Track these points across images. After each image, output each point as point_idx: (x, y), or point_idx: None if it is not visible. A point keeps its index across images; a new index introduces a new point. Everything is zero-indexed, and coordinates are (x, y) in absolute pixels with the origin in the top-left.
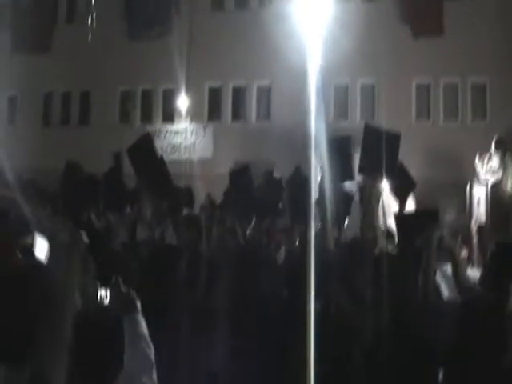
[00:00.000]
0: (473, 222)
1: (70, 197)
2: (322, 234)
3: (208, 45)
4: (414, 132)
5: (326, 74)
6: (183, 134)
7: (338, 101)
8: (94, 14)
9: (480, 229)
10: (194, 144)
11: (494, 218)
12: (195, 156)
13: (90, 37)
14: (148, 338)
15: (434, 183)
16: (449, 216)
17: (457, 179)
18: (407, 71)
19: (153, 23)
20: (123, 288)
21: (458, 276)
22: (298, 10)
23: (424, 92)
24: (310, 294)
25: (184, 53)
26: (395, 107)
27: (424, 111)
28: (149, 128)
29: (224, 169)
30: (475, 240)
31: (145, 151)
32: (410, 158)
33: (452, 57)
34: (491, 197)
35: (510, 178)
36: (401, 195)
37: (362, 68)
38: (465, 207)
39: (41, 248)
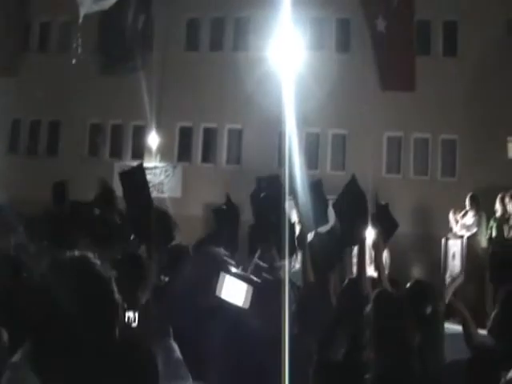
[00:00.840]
0: (447, 274)
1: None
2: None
3: (181, 84)
4: (384, 185)
5: (298, 122)
6: (152, 172)
7: (309, 149)
8: (78, 45)
9: (453, 281)
10: (163, 183)
11: (469, 271)
12: (163, 195)
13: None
14: (185, 366)
15: (405, 237)
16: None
17: (428, 233)
18: (379, 124)
19: (126, 58)
20: (154, 310)
21: (471, 335)
22: (273, 57)
23: (395, 146)
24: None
25: (156, 90)
26: (366, 159)
27: (395, 165)
28: (117, 163)
29: (192, 210)
30: (449, 292)
31: (136, 181)
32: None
33: (423, 113)
34: (467, 251)
35: (483, 234)
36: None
37: (334, 118)
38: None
39: None
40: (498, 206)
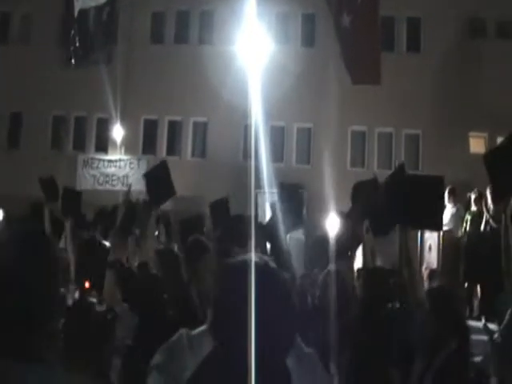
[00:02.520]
0: (423, 267)
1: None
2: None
3: (146, 77)
4: (348, 178)
5: (264, 115)
6: (117, 165)
7: (274, 143)
8: (75, 41)
9: (431, 273)
10: (127, 176)
11: (444, 264)
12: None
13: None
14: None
15: None
16: None
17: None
18: (343, 118)
19: (90, 50)
20: None
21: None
22: (238, 50)
23: (359, 140)
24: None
25: (121, 83)
26: (331, 153)
27: (359, 158)
28: (81, 156)
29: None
30: (426, 284)
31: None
32: (345, 204)
33: (387, 108)
34: (443, 244)
35: (460, 226)
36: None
37: (299, 112)
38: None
39: None
40: (473, 201)
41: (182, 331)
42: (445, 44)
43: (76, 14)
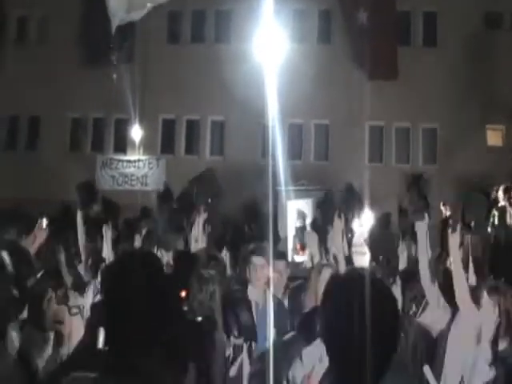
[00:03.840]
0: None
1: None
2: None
3: (163, 77)
4: (366, 173)
5: (281, 113)
6: (135, 165)
7: (292, 140)
8: (114, 57)
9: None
10: (146, 176)
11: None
12: (147, 187)
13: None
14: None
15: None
16: None
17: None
18: (361, 114)
19: (107, 50)
20: None
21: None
22: (255, 49)
23: (377, 135)
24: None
25: (139, 83)
26: (348, 149)
27: (377, 153)
28: (99, 157)
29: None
30: None
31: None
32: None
33: (404, 102)
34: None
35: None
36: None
37: (317, 109)
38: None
39: None
40: (500, 196)
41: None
42: (461, 37)
43: (93, 14)
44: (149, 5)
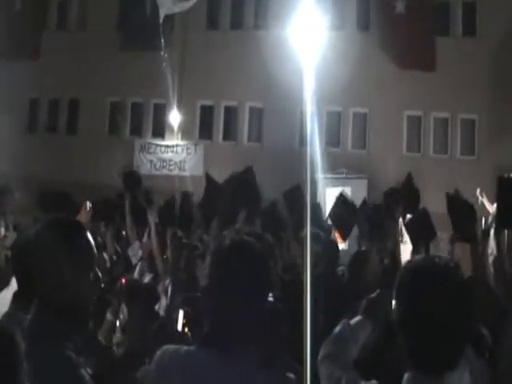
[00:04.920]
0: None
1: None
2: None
3: (202, 63)
4: (404, 163)
5: (320, 100)
6: (174, 150)
7: (330, 128)
8: (162, 46)
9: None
10: (185, 161)
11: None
12: (185, 173)
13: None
14: None
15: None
16: None
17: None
18: (399, 103)
19: (147, 34)
20: None
21: None
22: (294, 35)
23: (415, 124)
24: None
25: (177, 69)
26: (386, 137)
27: (415, 143)
28: (138, 141)
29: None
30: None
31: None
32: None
33: (443, 92)
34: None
35: None
36: None
37: (355, 96)
38: None
39: None
40: None
41: (344, 321)
42: (501, 28)
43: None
44: None
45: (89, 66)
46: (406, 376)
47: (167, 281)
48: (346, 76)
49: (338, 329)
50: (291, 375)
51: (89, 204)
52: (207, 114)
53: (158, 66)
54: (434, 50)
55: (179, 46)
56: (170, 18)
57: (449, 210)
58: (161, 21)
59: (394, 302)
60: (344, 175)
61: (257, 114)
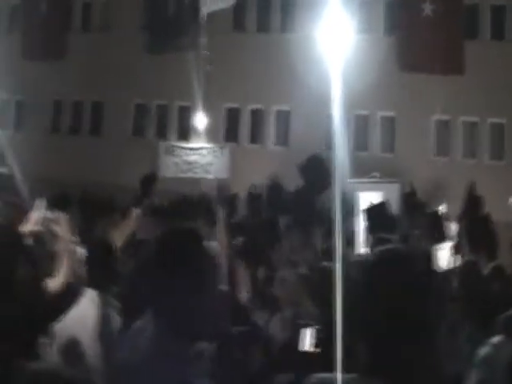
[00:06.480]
0: None
1: None
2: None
3: (228, 65)
4: (433, 167)
5: (347, 104)
6: (199, 153)
7: (358, 132)
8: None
9: None
10: (210, 164)
11: None
12: (211, 176)
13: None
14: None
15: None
16: None
17: None
18: (427, 107)
19: (172, 35)
20: None
21: None
22: (321, 38)
23: (443, 128)
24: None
25: (203, 71)
26: (415, 141)
27: (443, 147)
28: (162, 144)
29: (240, 191)
30: None
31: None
32: (428, 192)
33: (471, 96)
34: None
35: None
36: None
37: (383, 100)
38: None
39: None
40: None
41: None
42: None
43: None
44: None
45: (113, 67)
46: None
47: None
48: (373, 79)
49: (484, 351)
50: None
51: (136, 210)
52: (233, 116)
53: (182, 67)
54: (462, 54)
55: (206, 48)
56: (196, 19)
57: None
58: (204, 19)
59: None
60: (376, 180)
61: (284, 118)
